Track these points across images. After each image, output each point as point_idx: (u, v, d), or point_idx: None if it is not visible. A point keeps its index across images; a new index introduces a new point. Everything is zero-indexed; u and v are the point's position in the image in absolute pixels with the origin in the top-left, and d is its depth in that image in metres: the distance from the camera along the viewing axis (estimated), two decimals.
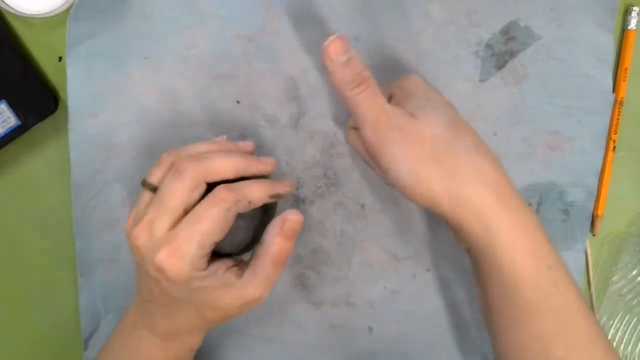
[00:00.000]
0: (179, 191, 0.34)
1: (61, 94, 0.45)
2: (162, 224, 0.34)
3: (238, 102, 0.44)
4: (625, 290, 0.45)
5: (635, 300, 0.45)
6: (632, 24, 0.43)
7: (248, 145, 0.39)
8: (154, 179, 0.36)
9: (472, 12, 0.43)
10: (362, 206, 0.44)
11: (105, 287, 0.45)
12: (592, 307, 0.45)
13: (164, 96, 0.44)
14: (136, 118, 0.44)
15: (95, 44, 0.43)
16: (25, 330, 0.47)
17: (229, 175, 0.35)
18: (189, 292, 0.35)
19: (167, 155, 0.37)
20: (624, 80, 0.43)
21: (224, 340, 0.45)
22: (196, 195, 0.34)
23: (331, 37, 0.33)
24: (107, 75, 0.43)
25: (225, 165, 0.35)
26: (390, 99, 0.37)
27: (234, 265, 0.36)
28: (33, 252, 0.46)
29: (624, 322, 0.45)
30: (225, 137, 0.40)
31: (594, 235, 0.45)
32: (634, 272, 0.45)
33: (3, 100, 0.43)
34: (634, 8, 0.43)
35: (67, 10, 0.42)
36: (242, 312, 0.37)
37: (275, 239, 0.35)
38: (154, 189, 0.36)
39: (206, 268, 0.34)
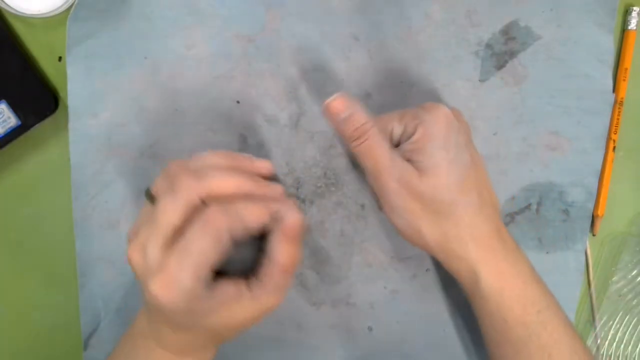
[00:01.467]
0: (170, 210, 0.31)
1: (61, 94, 0.45)
2: (154, 247, 0.31)
3: (238, 102, 0.44)
4: (625, 290, 0.45)
5: (635, 301, 0.45)
6: (632, 24, 0.43)
7: (265, 166, 0.35)
8: (156, 189, 0.33)
9: (472, 12, 0.43)
10: (362, 206, 0.44)
11: (105, 287, 0.45)
12: (592, 308, 0.45)
13: (164, 96, 0.44)
14: (136, 118, 0.44)
15: (95, 44, 0.43)
16: (25, 330, 0.47)
17: (229, 194, 0.32)
18: (195, 318, 0.33)
19: (173, 164, 0.33)
20: (624, 80, 0.43)
21: None
22: (191, 215, 0.31)
23: (333, 96, 0.36)
24: (107, 75, 0.43)
25: (223, 184, 0.32)
26: (414, 129, 0.37)
27: (241, 280, 0.33)
28: (33, 252, 0.46)
29: (624, 322, 0.45)
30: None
31: (594, 235, 0.45)
32: (634, 272, 0.45)
33: (3, 100, 0.43)
34: (634, 8, 0.43)
35: (67, 10, 0.42)
36: (257, 322, 0.35)
37: (279, 247, 0.32)
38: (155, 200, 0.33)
39: (208, 291, 0.32)
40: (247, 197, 0.32)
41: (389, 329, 0.45)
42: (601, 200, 0.44)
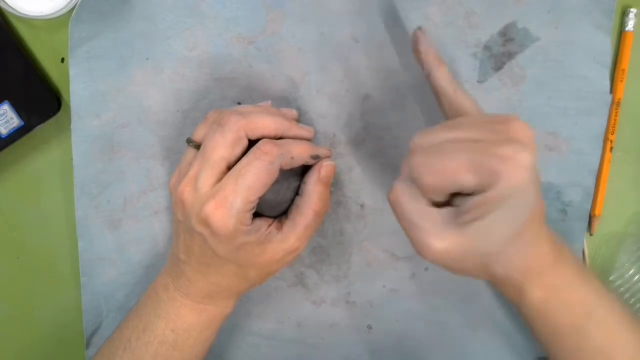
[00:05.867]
0: (220, 144, 0.34)
1: (64, 95, 0.45)
2: (206, 179, 0.34)
3: (239, 103, 0.44)
4: (622, 289, 0.45)
5: (633, 300, 0.45)
6: (630, 26, 0.44)
7: (291, 112, 0.41)
8: (198, 136, 0.37)
9: (471, 14, 0.43)
10: (362, 206, 0.44)
11: (107, 286, 0.45)
12: None
13: (166, 97, 0.44)
14: (138, 119, 0.44)
15: (97, 46, 0.43)
16: (28, 329, 0.47)
17: (270, 132, 0.36)
18: (232, 249, 0.35)
19: (212, 112, 0.37)
20: (621, 81, 0.44)
21: (225, 338, 0.45)
22: (238, 150, 0.35)
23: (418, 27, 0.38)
24: (109, 76, 0.44)
25: (266, 122, 0.36)
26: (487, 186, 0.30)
27: (274, 222, 0.37)
28: (36, 252, 0.46)
29: None
30: (269, 102, 0.40)
31: (591, 234, 0.45)
32: (631, 272, 0.45)
33: (6, 101, 0.43)
34: (632, 9, 0.44)
35: (70, 11, 0.43)
36: (281, 268, 0.38)
37: (316, 187, 0.37)
38: (198, 147, 0.36)
39: (251, 224, 0.35)
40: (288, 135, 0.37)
41: (388, 327, 0.45)
42: (598, 200, 0.44)
